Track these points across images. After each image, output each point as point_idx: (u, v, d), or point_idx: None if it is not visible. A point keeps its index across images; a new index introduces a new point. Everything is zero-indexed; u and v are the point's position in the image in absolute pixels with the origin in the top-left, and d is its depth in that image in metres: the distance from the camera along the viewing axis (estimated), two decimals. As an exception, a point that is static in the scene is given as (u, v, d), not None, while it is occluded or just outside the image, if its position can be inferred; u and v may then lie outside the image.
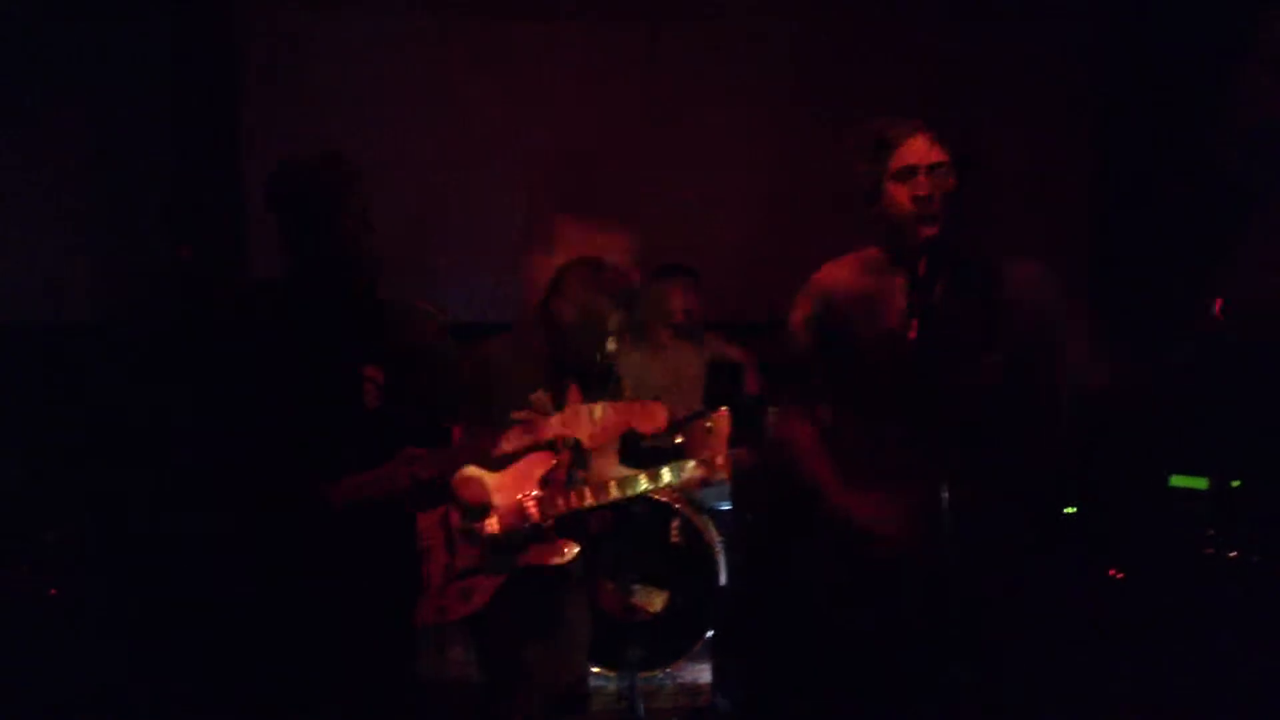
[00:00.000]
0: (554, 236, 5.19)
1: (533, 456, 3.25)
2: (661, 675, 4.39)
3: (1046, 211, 5.25)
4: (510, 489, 3.24)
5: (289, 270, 2.70)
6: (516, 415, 3.18)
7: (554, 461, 3.29)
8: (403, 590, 2.87)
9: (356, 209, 2.65)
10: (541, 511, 3.24)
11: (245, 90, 5.36)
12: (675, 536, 4.41)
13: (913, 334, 2.69)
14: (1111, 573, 3.62)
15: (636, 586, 4.40)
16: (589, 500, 3.29)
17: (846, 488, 2.78)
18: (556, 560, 3.27)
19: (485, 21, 5.60)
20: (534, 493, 3.24)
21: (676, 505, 4.43)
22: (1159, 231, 5.11)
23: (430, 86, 5.58)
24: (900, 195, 2.72)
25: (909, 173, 2.71)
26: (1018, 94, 5.51)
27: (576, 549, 3.28)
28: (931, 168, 2.70)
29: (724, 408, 4.51)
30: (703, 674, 4.37)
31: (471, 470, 3.19)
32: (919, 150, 2.71)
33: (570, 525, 3.31)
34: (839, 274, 2.88)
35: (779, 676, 3.76)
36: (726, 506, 4.55)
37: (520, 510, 3.22)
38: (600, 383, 3.40)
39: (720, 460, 3.44)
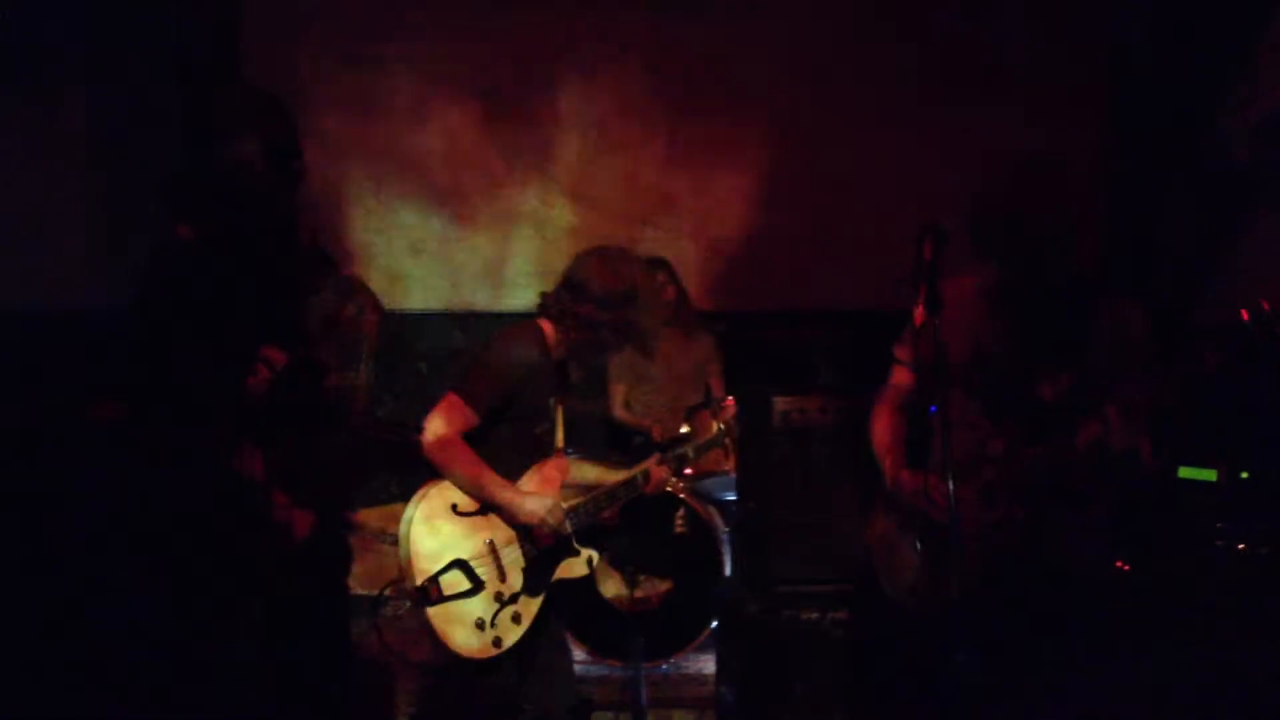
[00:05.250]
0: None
1: (548, 466, 3.15)
2: (666, 665, 4.38)
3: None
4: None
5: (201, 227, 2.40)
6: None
7: (568, 465, 3.21)
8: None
9: (275, 156, 2.33)
10: (573, 522, 3.13)
11: (245, 69, 5.42)
12: (680, 527, 4.40)
13: (918, 319, 2.70)
14: (1119, 565, 3.58)
15: (641, 577, 4.40)
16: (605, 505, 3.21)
17: (910, 472, 2.94)
18: (582, 572, 3.19)
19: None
20: (562, 503, 3.11)
21: (681, 495, 4.42)
22: (1168, 221, 5.09)
23: (435, 68, 5.61)
24: None
25: None
26: (1027, 83, 5.50)
27: (595, 556, 3.19)
28: None
29: (730, 397, 4.52)
30: (707, 664, 4.36)
31: (534, 491, 3.09)
32: None
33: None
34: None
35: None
36: (731, 497, 4.54)
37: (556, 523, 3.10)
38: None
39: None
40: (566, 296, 3.09)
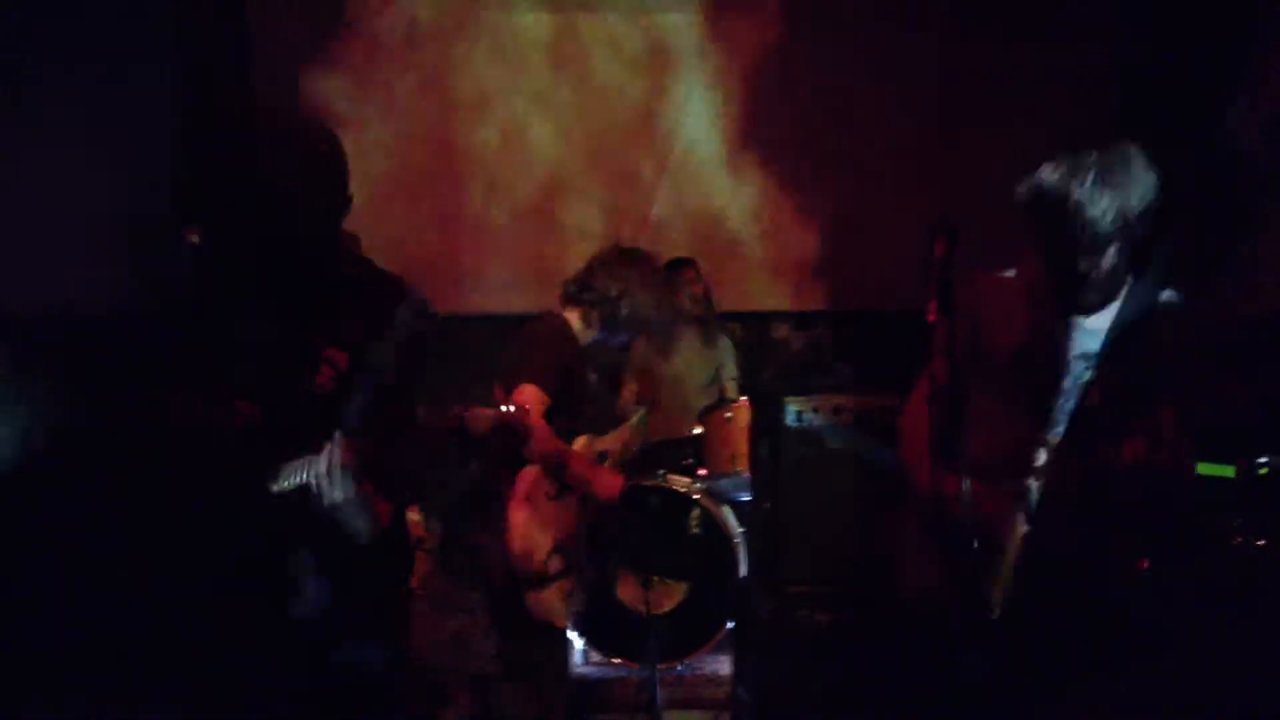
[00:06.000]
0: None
1: (580, 441, 3.46)
2: (681, 667, 4.36)
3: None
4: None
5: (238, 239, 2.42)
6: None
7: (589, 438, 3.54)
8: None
9: (314, 172, 2.35)
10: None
11: (256, 67, 5.39)
12: (694, 528, 4.39)
13: (931, 317, 2.67)
14: (1139, 563, 3.57)
15: (655, 578, 4.38)
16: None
17: (937, 468, 2.78)
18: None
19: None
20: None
21: (695, 496, 4.40)
22: (1177, 218, 5.07)
23: (445, 75, 5.59)
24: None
25: None
26: (1031, 83, 5.49)
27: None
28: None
29: (744, 398, 4.52)
30: (723, 665, 4.35)
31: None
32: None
33: None
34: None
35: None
36: (747, 498, 4.52)
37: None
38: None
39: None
40: (575, 289, 3.46)
